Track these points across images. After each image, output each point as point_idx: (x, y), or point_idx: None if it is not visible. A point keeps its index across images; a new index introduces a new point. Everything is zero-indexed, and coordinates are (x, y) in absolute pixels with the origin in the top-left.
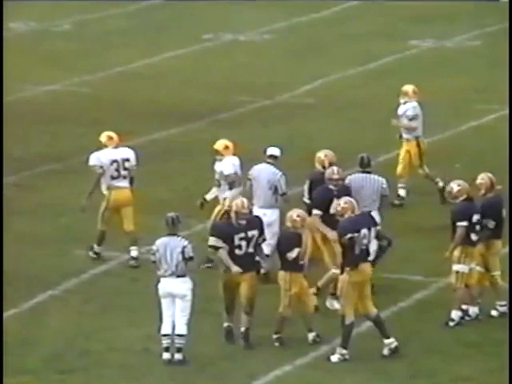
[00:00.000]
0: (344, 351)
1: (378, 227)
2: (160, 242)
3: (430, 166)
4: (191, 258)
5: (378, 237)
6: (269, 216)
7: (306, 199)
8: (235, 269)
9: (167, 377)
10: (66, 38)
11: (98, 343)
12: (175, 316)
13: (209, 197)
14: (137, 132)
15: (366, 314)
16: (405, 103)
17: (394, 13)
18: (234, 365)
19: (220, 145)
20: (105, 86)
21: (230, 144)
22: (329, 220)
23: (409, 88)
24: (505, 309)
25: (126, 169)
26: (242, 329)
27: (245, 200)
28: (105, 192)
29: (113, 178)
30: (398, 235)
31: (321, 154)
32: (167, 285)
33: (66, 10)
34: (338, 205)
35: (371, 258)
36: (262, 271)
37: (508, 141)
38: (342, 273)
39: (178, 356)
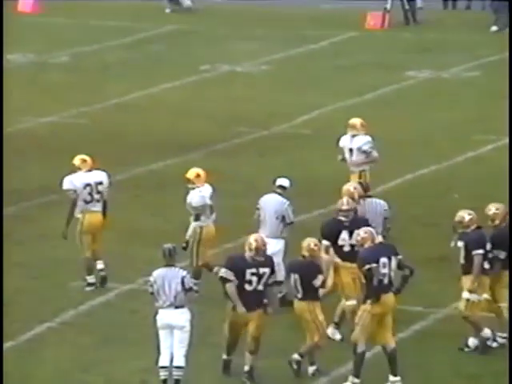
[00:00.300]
0: (356, 380)
1: (400, 256)
2: (157, 273)
3: (430, 198)
4: (191, 289)
5: (400, 266)
6: (273, 246)
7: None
8: (241, 309)
9: None
10: (64, 69)
11: (96, 376)
12: (173, 348)
13: (188, 236)
14: (134, 163)
15: (383, 345)
16: (353, 136)
17: (391, 44)
18: None
19: (191, 173)
20: (102, 118)
21: (201, 172)
22: (338, 251)
23: (356, 121)
24: (505, 341)
25: (98, 192)
26: (247, 368)
27: (263, 236)
28: (78, 216)
29: (86, 201)
30: None
31: (350, 187)
32: (166, 316)
33: (64, 42)
34: (358, 235)
35: (394, 288)
36: (270, 310)
37: (508, 169)
38: (364, 302)
39: None
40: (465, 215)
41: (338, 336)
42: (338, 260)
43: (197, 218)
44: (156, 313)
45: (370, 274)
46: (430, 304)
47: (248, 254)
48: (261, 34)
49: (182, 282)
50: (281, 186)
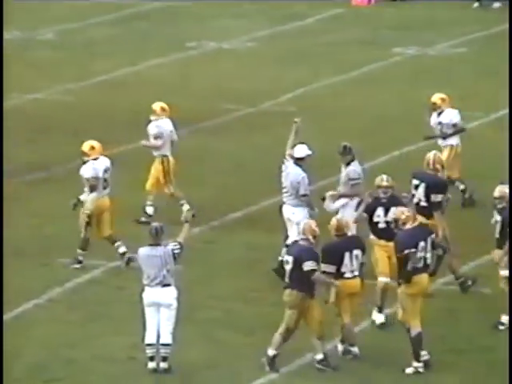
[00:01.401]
0: (417, 364)
1: (433, 235)
2: (143, 251)
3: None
4: (181, 247)
5: (433, 245)
6: (298, 214)
7: (423, 203)
8: (333, 297)
9: (152, 382)
10: (50, 47)
11: (83, 352)
12: (160, 325)
13: (82, 197)
14: (121, 140)
15: (408, 328)
16: (156, 120)
17: (378, 21)
18: (219, 373)
19: (86, 146)
20: (88, 95)
21: (96, 145)
22: (373, 228)
23: (157, 106)
24: None
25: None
26: (320, 356)
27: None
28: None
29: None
30: None
31: (430, 155)
32: (152, 294)
33: (50, 20)
34: (402, 213)
35: (430, 269)
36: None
37: (508, 144)
38: (399, 284)
39: (163, 365)
40: (506, 190)
41: (380, 319)
42: (372, 237)
43: (92, 190)
44: (142, 290)
45: (406, 258)
46: None
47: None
48: (247, 11)
49: (173, 255)
50: (298, 158)
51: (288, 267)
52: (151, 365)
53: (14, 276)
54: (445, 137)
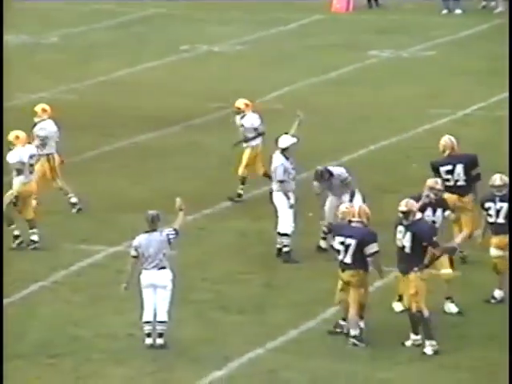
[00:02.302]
0: (433, 342)
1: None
2: (141, 237)
3: (391, 167)
4: (177, 233)
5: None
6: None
7: (461, 182)
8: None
9: (150, 360)
10: (54, 49)
11: (86, 330)
12: (157, 304)
13: (14, 191)
14: (119, 135)
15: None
16: (40, 122)
17: (355, 26)
18: (211, 349)
19: (11, 135)
20: (90, 94)
21: (20, 134)
22: None
23: (38, 108)
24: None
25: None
26: (356, 332)
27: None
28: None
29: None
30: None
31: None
32: (149, 276)
33: (54, 25)
34: (413, 206)
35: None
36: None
37: (508, 143)
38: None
39: (159, 341)
40: (507, 178)
41: (454, 309)
42: None
43: (18, 174)
44: (140, 273)
45: (435, 245)
46: (391, 263)
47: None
48: (235, 17)
49: (169, 240)
50: (283, 148)
51: (351, 249)
52: (148, 341)
53: (22, 260)
54: (247, 139)
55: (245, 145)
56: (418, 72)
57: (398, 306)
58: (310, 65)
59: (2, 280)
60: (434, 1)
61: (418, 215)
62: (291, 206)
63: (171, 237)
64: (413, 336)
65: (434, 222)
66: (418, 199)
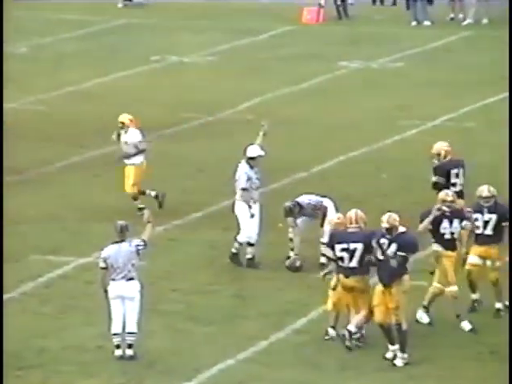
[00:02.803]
0: (405, 355)
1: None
2: (110, 248)
3: (361, 178)
4: (145, 244)
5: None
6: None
7: (461, 186)
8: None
9: (119, 372)
10: (23, 60)
11: (55, 342)
12: (126, 315)
13: None
14: (89, 145)
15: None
16: None
17: (325, 37)
18: (181, 360)
19: None
20: (58, 104)
21: None
22: (440, 239)
23: None
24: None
25: None
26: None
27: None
28: None
29: None
30: None
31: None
32: (117, 288)
33: (23, 35)
34: (395, 220)
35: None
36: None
37: (508, 164)
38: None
39: (129, 352)
40: (493, 189)
41: (425, 319)
42: (439, 248)
43: None
44: (106, 285)
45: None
46: None
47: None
48: (206, 28)
49: (137, 251)
50: (250, 157)
51: (358, 253)
52: (118, 352)
53: None
54: (128, 156)
55: (127, 161)
56: (388, 83)
57: (423, 317)
58: (281, 75)
59: (1, 280)
60: (403, 12)
61: (402, 229)
62: (252, 216)
63: (140, 248)
64: (391, 347)
65: (452, 233)
66: (427, 214)
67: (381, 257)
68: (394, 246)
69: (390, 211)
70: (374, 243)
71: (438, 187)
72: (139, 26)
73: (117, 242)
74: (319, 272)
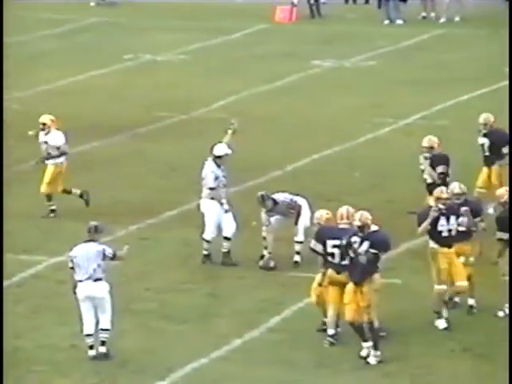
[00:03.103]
0: (378, 352)
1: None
2: (77, 248)
3: (334, 176)
4: (114, 256)
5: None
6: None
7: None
8: None
9: (92, 372)
10: None
11: (28, 341)
12: (98, 315)
13: None
14: None
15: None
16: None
17: (298, 36)
18: (155, 359)
19: None
20: (33, 103)
21: None
22: (437, 237)
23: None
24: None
25: None
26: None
27: None
28: None
29: None
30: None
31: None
32: (85, 288)
33: None
34: (367, 218)
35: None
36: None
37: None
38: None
39: (102, 349)
40: (463, 186)
41: (442, 325)
42: (435, 246)
43: None
44: (75, 286)
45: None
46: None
47: None
48: (179, 26)
49: (104, 254)
50: (216, 156)
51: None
52: (91, 352)
53: None
54: (49, 157)
55: (48, 162)
56: (361, 82)
57: (441, 323)
58: (254, 74)
59: (1, 279)
60: (376, 11)
61: (374, 227)
62: (226, 211)
63: (107, 253)
64: (365, 344)
65: (450, 230)
66: (424, 215)
67: (352, 255)
68: (366, 244)
69: (362, 209)
70: (344, 241)
71: (443, 178)
72: (112, 25)
73: (86, 242)
74: (293, 270)
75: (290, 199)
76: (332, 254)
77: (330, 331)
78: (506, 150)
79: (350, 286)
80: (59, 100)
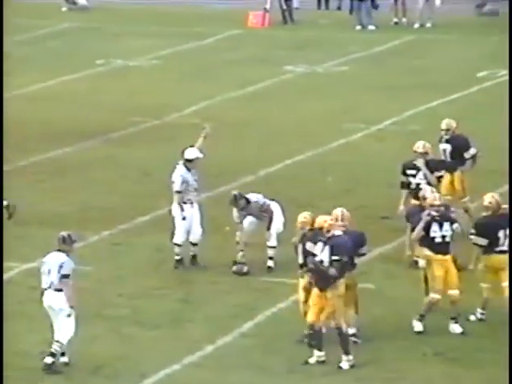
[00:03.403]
0: (350, 357)
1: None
2: (48, 255)
3: (306, 181)
4: (66, 276)
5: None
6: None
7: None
8: None
9: (64, 378)
10: None
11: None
12: (57, 324)
13: None
14: (34, 150)
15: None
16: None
17: (271, 41)
18: (127, 365)
19: None
20: (4, 108)
21: None
22: (430, 243)
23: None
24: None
25: None
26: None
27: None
28: None
29: None
30: (286, 243)
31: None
32: (47, 297)
33: None
34: (325, 221)
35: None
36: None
37: (508, 142)
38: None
39: (63, 359)
40: (436, 195)
41: (458, 329)
42: (429, 253)
43: None
44: (42, 293)
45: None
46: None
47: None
48: (151, 31)
49: (60, 267)
50: (187, 159)
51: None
52: (63, 359)
53: None
54: None
55: None
56: (333, 87)
57: (418, 325)
58: (227, 79)
59: (2, 279)
60: (348, 17)
61: (337, 232)
62: (184, 218)
63: (61, 271)
64: (317, 352)
65: (443, 236)
66: (416, 215)
67: (317, 259)
68: (326, 251)
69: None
70: (308, 246)
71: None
72: (84, 30)
73: (56, 251)
74: (266, 275)
75: (263, 202)
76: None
77: (351, 330)
78: (467, 155)
79: (315, 291)
80: (30, 105)
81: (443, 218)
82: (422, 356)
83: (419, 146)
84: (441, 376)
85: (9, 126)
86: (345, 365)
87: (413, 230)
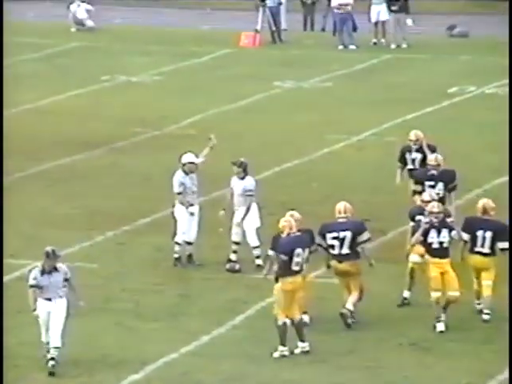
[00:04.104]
0: (283, 348)
1: (312, 246)
2: (37, 270)
3: (293, 187)
4: (31, 286)
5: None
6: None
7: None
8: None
9: (71, 365)
10: None
11: (11, 338)
12: (51, 330)
13: None
14: (45, 158)
15: (290, 318)
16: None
17: (261, 59)
18: (130, 354)
19: None
20: (16, 121)
21: None
22: (428, 248)
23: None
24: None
25: None
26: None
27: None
28: None
29: None
30: (266, 243)
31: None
32: (45, 305)
33: None
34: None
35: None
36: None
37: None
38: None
39: (52, 362)
40: (429, 197)
41: (441, 327)
42: (428, 256)
43: None
44: (35, 300)
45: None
46: None
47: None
48: (152, 50)
49: (66, 278)
50: (183, 164)
51: (347, 240)
52: (51, 363)
53: None
54: None
55: None
56: (317, 101)
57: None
58: (221, 94)
59: (2, 278)
60: (331, 37)
61: (291, 232)
62: (191, 214)
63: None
64: (280, 347)
65: (441, 243)
66: (416, 212)
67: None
68: (307, 251)
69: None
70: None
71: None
72: (91, 49)
73: (47, 266)
74: (256, 273)
75: (250, 190)
76: (332, 246)
77: (350, 307)
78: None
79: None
80: (41, 118)
81: (442, 224)
82: (398, 346)
83: (431, 158)
84: (414, 363)
85: (21, 138)
86: (297, 351)
87: (413, 232)
